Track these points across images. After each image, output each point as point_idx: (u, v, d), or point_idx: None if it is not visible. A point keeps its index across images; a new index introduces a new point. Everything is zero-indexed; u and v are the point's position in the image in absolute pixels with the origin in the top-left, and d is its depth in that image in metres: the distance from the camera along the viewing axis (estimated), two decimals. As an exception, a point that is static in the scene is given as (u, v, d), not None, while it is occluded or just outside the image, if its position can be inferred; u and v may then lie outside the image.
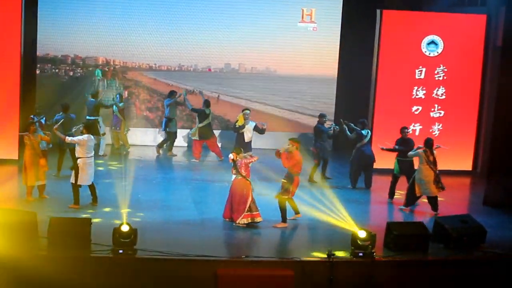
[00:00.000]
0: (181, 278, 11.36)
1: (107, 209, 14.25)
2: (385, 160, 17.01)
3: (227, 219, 13.63)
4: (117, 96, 20.23)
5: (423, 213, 15.05)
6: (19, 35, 18.07)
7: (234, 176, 13.69)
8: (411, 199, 15.31)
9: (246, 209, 13.34)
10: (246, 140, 17.58)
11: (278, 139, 19.40)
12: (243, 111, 18.25)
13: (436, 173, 15.01)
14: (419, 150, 15.20)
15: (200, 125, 19.38)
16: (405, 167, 16.01)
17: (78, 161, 14.19)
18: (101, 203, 14.56)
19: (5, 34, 17.98)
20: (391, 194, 16.14)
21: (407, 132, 16.41)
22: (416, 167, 15.53)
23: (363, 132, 17.03)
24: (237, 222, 13.34)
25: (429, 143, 15.17)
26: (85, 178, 14.21)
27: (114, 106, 20.11)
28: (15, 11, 18.00)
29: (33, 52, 20.85)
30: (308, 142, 18.54)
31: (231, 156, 13.67)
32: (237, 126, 17.89)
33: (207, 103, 19.61)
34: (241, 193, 13.40)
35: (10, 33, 18.01)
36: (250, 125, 17.83)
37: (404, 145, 16.02)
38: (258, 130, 17.86)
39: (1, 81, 17.97)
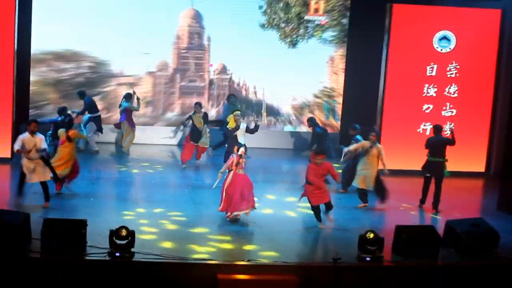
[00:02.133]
0: (180, 283, 11.33)
1: (104, 210, 14.29)
2: (395, 161, 16.95)
3: (228, 214, 13.85)
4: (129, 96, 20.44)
5: (433, 217, 15.02)
6: (13, 29, 18.09)
7: (231, 171, 13.94)
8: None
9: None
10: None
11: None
12: (233, 112, 17.85)
13: None
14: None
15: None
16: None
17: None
18: (98, 204, 14.59)
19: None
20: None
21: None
22: None
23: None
24: (251, 208, 13.89)
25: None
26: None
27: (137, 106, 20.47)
28: (8, 6, 18.03)
29: (27, 47, 20.82)
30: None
31: (241, 150, 14.03)
32: (229, 128, 17.57)
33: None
34: (250, 183, 13.94)
35: (2, 27, 18.01)
36: (242, 127, 17.48)
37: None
38: (251, 130, 17.58)
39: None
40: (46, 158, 14.55)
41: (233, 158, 13.97)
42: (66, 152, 14.98)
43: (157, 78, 22.34)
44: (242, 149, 14.07)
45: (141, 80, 22.18)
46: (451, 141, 15.57)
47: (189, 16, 22.30)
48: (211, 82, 22.57)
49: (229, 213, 13.85)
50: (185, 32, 22.36)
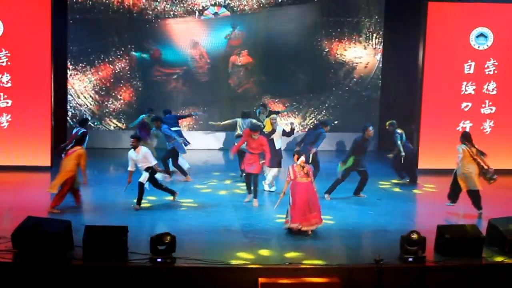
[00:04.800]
0: (221, 287, 11.34)
1: (142, 216, 14.39)
2: (434, 160, 16.83)
3: (296, 226, 13.30)
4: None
5: (474, 215, 14.86)
6: (49, 37, 18.29)
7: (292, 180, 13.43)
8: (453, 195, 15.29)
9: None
10: (276, 147, 16.95)
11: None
12: (269, 115, 17.81)
13: (481, 166, 14.82)
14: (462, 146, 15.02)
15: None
16: None
17: None
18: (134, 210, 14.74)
19: (34, 34, 18.23)
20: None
21: None
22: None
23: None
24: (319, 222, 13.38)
25: (466, 137, 15.09)
26: None
27: None
28: (44, 14, 18.23)
29: (64, 55, 21.03)
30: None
31: (302, 158, 13.47)
32: (266, 132, 17.32)
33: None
34: (315, 193, 13.43)
35: (39, 35, 18.23)
36: (278, 130, 17.36)
37: None
38: (287, 133, 17.48)
39: (32, 85, 18.19)
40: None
41: (291, 169, 13.46)
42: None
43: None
44: (302, 158, 13.45)
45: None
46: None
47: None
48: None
49: (300, 226, 13.31)
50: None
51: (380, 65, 22.79)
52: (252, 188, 15.53)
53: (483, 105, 19.38)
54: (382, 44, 22.49)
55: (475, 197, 14.96)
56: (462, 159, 14.91)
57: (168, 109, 19.38)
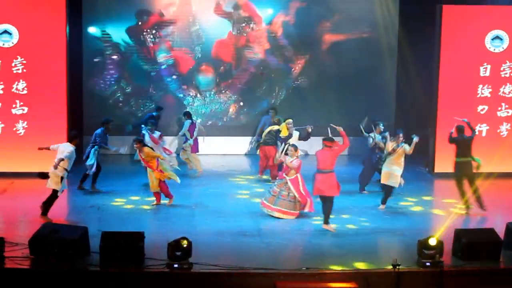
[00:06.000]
0: (239, 292, 11.36)
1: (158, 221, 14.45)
2: (450, 164, 16.70)
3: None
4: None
5: (492, 219, 14.78)
6: (64, 39, 18.36)
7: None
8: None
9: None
10: None
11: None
12: (285, 120, 17.82)
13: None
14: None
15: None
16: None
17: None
18: (151, 214, 14.76)
19: (50, 42, 18.28)
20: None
21: None
22: None
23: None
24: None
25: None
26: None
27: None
28: (59, 21, 18.31)
29: (79, 57, 21.11)
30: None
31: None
32: (282, 137, 17.47)
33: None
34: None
35: (54, 37, 18.30)
36: (295, 134, 17.46)
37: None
38: (303, 138, 17.53)
39: (47, 92, 18.24)
40: None
41: (300, 161, 14.68)
42: None
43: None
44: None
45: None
46: (473, 136, 15.68)
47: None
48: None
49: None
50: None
51: (396, 69, 22.70)
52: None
53: (499, 108, 19.28)
54: (397, 48, 22.39)
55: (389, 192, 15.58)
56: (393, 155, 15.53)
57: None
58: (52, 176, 14.38)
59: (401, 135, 15.64)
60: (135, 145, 15.59)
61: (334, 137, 14.29)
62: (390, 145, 15.61)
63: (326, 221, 13.76)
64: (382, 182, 15.73)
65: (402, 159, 15.55)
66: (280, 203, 14.66)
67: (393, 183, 15.50)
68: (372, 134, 17.09)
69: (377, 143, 16.82)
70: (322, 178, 13.76)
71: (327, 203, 13.74)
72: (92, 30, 21.83)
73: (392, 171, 15.51)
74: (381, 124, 17.34)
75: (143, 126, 18.15)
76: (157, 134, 17.67)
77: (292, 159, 14.70)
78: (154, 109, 21.16)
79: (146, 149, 15.47)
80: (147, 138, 17.33)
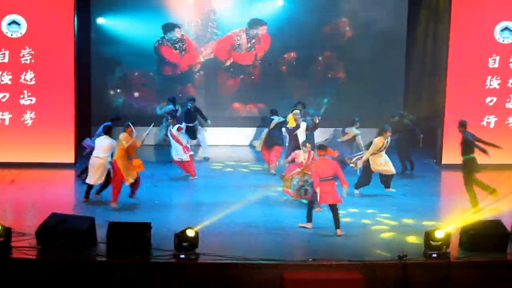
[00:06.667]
0: (246, 283, 11.35)
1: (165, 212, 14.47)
2: (459, 156, 16.68)
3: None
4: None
5: (499, 211, 14.74)
6: (72, 33, 18.34)
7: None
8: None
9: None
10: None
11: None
12: (292, 111, 17.60)
13: None
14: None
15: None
16: None
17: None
18: (158, 205, 14.80)
19: (58, 32, 18.26)
20: None
21: None
22: None
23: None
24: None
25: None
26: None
27: None
28: (68, 11, 18.30)
29: (87, 52, 21.11)
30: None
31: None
32: (289, 128, 17.41)
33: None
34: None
35: (63, 31, 18.27)
36: (303, 125, 17.33)
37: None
38: (311, 128, 17.47)
39: (55, 83, 18.26)
40: None
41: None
42: None
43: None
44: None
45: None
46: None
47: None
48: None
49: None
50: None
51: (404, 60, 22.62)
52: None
53: (508, 100, 19.21)
54: (406, 39, 22.31)
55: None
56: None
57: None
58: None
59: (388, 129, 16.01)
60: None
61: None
62: (379, 142, 15.77)
63: (337, 226, 13.35)
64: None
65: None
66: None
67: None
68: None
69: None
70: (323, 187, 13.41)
71: (333, 211, 13.45)
72: (101, 20, 21.80)
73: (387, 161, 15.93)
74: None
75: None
76: (175, 127, 17.52)
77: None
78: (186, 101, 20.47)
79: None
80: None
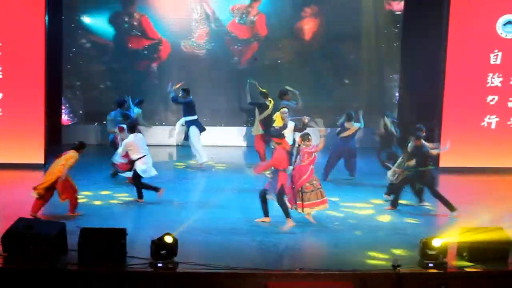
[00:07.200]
0: (228, 293, 11.36)
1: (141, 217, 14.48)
2: (457, 158, 16.79)
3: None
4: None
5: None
6: (43, 31, 18.32)
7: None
8: None
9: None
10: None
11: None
12: (280, 109, 17.70)
13: None
14: None
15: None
16: None
17: None
18: (134, 210, 14.85)
19: (28, 25, 18.19)
20: None
21: None
22: None
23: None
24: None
25: None
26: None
27: None
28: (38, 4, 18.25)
29: (58, 48, 21.06)
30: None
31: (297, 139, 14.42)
32: (276, 127, 17.42)
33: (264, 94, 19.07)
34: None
35: (33, 23, 18.22)
36: (290, 125, 17.37)
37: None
38: (299, 129, 17.39)
39: (25, 77, 18.20)
40: None
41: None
42: None
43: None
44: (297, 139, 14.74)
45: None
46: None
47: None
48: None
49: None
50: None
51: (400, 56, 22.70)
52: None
53: (510, 99, 19.27)
54: (402, 34, 22.39)
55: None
56: None
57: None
58: None
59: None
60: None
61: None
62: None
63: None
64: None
65: None
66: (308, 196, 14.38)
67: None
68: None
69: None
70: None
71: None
72: (73, 13, 21.79)
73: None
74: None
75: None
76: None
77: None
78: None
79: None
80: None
